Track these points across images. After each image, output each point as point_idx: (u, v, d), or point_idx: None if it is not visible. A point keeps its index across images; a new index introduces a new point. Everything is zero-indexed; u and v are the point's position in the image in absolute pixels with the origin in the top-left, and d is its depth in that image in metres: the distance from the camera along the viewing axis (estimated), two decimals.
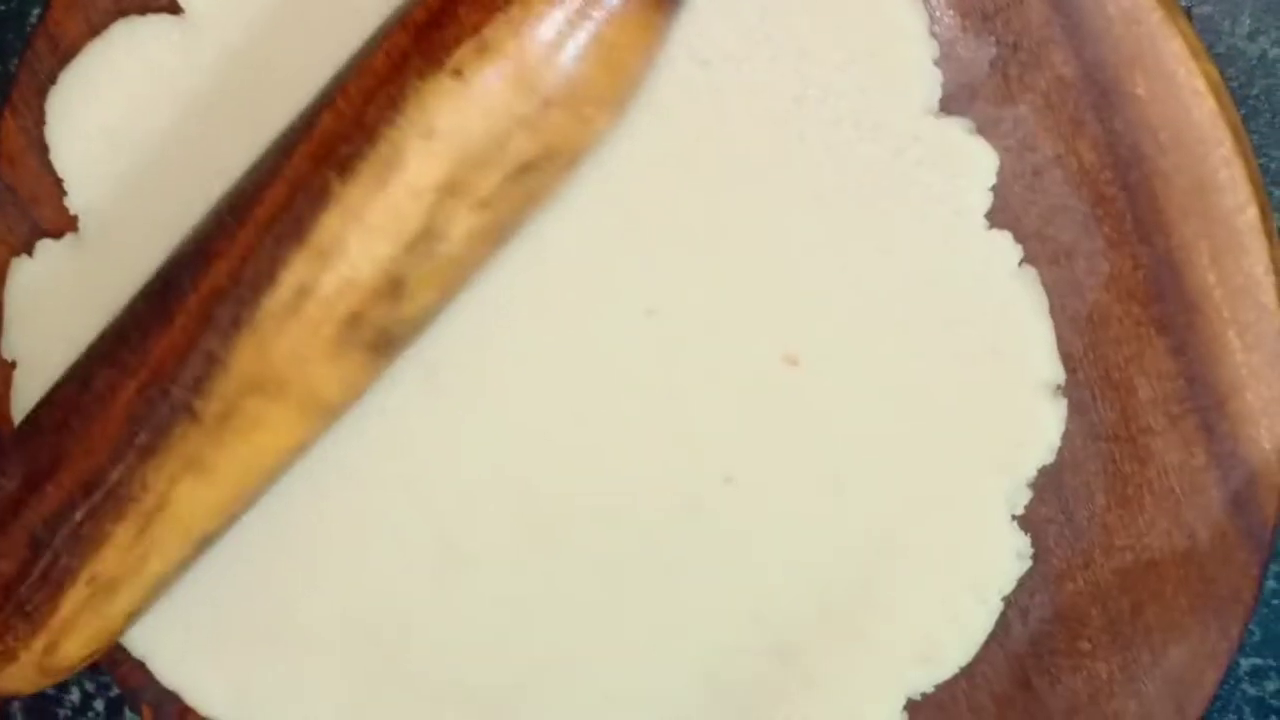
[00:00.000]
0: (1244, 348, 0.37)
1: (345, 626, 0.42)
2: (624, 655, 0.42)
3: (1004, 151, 0.37)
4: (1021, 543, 0.39)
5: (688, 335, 0.39)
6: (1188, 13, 0.44)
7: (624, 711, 0.42)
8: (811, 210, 0.38)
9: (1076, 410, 0.39)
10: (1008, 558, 0.39)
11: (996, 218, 0.38)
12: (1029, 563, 0.40)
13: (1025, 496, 0.39)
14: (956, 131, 0.37)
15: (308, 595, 0.42)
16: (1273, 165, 0.46)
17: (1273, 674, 0.48)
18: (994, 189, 0.37)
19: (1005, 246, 0.38)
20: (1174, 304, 0.38)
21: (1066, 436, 0.39)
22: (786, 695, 0.41)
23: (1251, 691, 0.48)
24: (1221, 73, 0.37)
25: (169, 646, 0.43)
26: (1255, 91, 0.45)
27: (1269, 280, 0.37)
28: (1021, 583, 0.40)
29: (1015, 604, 0.40)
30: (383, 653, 0.43)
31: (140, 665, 0.44)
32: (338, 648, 0.42)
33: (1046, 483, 0.39)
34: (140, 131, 0.41)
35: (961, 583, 0.40)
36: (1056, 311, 0.38)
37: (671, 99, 0.38)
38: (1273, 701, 0.48)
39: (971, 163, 0.37)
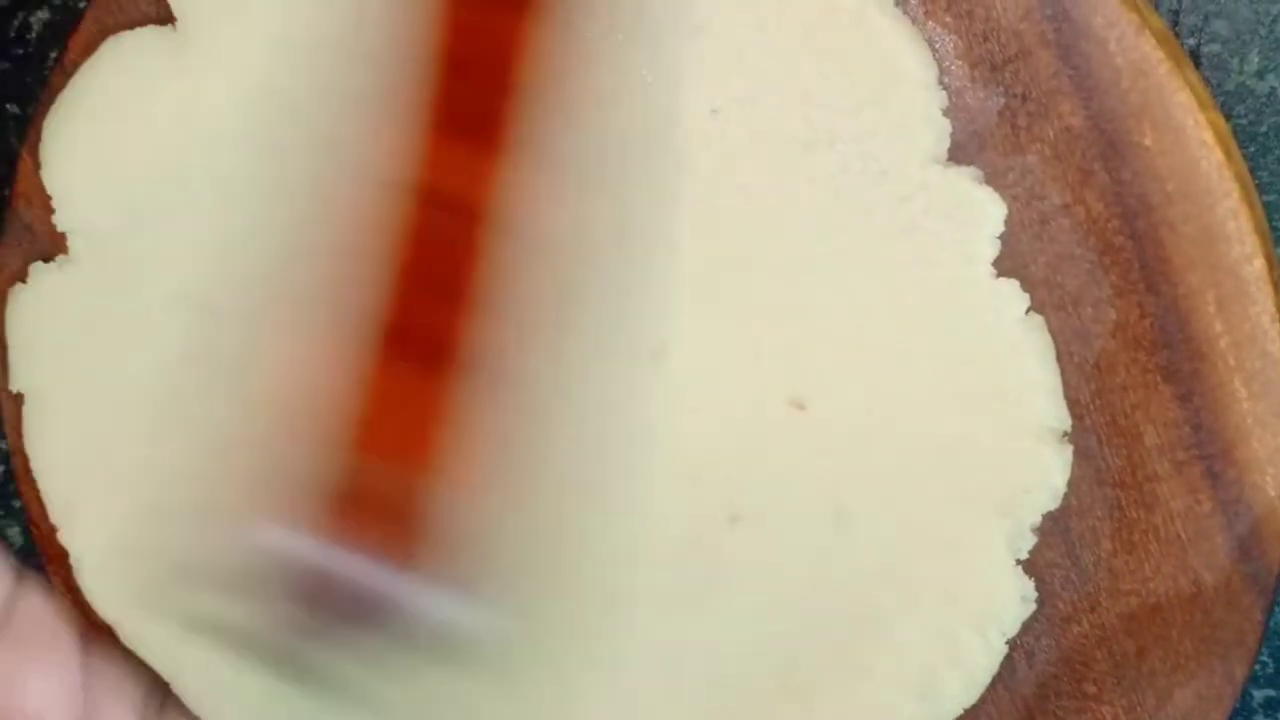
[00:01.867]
0: (1250, 396, 0.38)
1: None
2: (626, 692, 0.42)
3: (1012, 200, 0.37)
4: (1026, 586, 0.40)
5: (694, 378, 0.39)
6: (1195, 52, 0.45)
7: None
8: (819, 255, 0.38)
9: (1083, 456, 0.39)
10: (1012, 601, 0.40)
11: (1004, 265, 0.38)
12: (1034, 606, 0.40)
13: (1030, 541, 0.39)
14: (964, 180, 0.37)
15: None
16: None
17: None
18: (1002, 237, 0.38)
19: (1012, 294, 0.38)
20: (1180, 352, 0.38)
21: (1073, 482, 0.39)
22: None
23: None
24: (1230, 110, 0.37)
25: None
26: (1264, 129, 0.45)
27: (1275, 329, 0.37)
28: (1027, 625, 0.40)
29: (1020, 646, 0.40)
30: (383, 686, 0.43)
31: None
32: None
33: (1052, 527, 0.39)
34: (129, 148, 0.41)
35: (964, 623, 0.40)
36: (1063, 358, 0.38)
37: (681, 145, 0.38)
38: None
39: (979, 212, 0.37)
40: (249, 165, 0.41)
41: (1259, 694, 0.48)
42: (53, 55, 0.49)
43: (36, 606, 0.42)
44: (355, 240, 0.40)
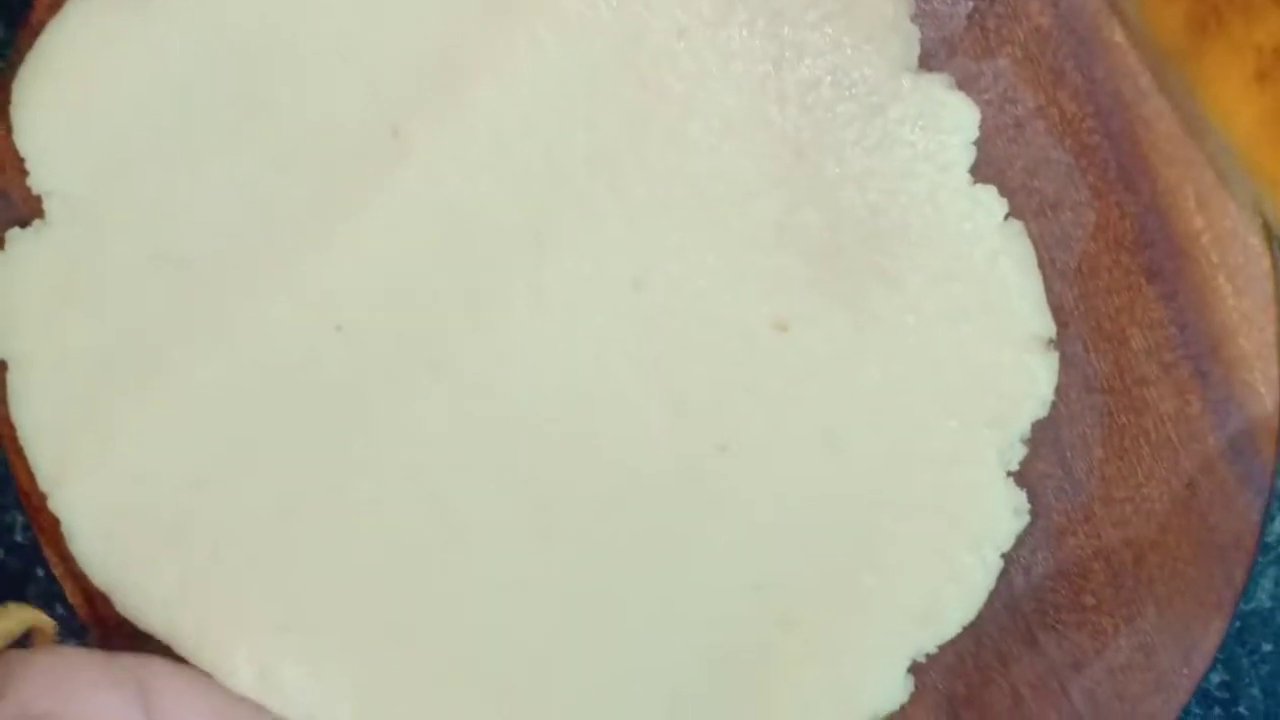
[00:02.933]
0: (1234, 292, 0.37)
1: (348, 609, 0.42)
2: (626, 631, 0.42)
3: (985, 105, 0.37)
4: (1018, 499, 0.39)
5: (675, 306, 0.39)
6: None
7: (628, 686, 0.42)
8: (795, 176, 0.38)
9: (1069, 363, 0.38)
10: (1005, 515, 0.39)
11: (981, 172, 0.38)
12: (1027, 519, 0.39)
13: (1020, 452, 0.39)
14: (937, 88, 0.37)
15: (311, 581, 0.42)
16: None
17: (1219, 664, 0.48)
18: (977, 144, 0.37)
19: (991, 201, 0.38)
20: (1162, 250, 0.37)
21: (1060, 390, 0.39)
22: (790, 663, 0.41)
23: None
24: None
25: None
26: None
27: (1256, 222, 0.37)
28: (1022, 539, 0.40)
29: (1017, 561, 0.40)
30: (387, 636, 0.43)
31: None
32: (340, 629, 0.42)
33: (1042, 438, 0.39)
34: (101, 107, 0.41)
35: (959, 541, 0.39)
36: (1045, 264, 0.38)
37: (651, 68, 0.38)
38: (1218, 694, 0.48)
39: (953, 118, 0.37)
40: (220, 118, 0.41)
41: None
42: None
43: None
44: (329, 189, 0.40)
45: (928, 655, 0.41)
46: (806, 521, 0.40)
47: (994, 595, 0.40)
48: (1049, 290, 0.38)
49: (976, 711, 0.41)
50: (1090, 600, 0.40)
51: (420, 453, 0.41)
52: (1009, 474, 0.39)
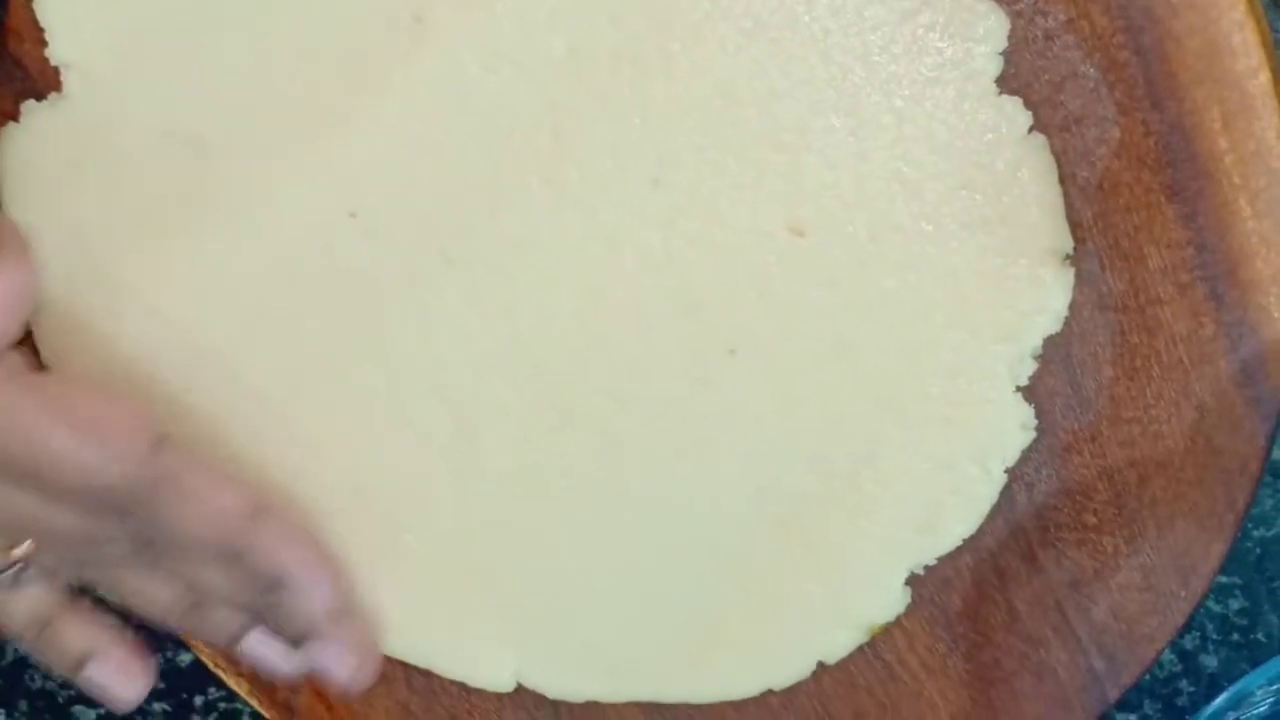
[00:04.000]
0: (1254, 214, 0.37)
1: (356, 499, 0.42)
2: (630, 531, 0.42)
3: (1015, 16, 0.37)
4: (1026, 414, 0.39)
5: (692, 206, 0.39)
6: None
7: (631, 587, 0.42)
8: (819, 76, 0.38)
9: (1085, 280, 0.38)
10: (1012, 429, 0.39)
11: (1007, 83, 0.37)
12: (1033, 434, 0.39)
13: (1030, 367, 0.39)
14: None
15: (320, 469, 0.42)
16: None
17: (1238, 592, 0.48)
18: (1004, 54, 0.37)
19: (1015, 112, 0.37)
20: (1185, 170, 0.37)
21: (1074, 307, 0.39)
22: (790, 567, 0.41)
23: (1216, 609, 0.48)
24: None
25: None
26: None
27: None
28: (1027, 455, 0.40)
29: (1021, 477, 0.40)
30: (394, 527, 0.43)
31: None
32: (347, 519, 0.42)
33: (1053, 354, 0.39)
34: None
35: (965, 453, 0.39)
36: (1066, 179, 0.38)
37: None
38: (1237, 620, 0.48)
39: (982, 26, 0.37)
40: None
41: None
42: None
43: None
44: (349, 73, 0.40)
45: (926, 567, 0.41)
46: (811, 427, 0.40)
47: (996, 511, 0.40)
48: (1068, 206, 0.38)
49: (972, 626, 0.41)
50: (1092, 519, 0.40)
51: (431, 342, 0.41)
52: (1018, 389, 0.39)
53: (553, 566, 0.43)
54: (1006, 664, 0.42)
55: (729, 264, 0.39)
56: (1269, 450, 0.39)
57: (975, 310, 0.39)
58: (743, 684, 0.43)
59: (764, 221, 0.39)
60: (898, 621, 0.42)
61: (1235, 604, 0.47)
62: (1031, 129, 0.37)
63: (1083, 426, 0.40)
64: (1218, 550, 0.40)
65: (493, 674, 0.44)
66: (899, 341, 0.39)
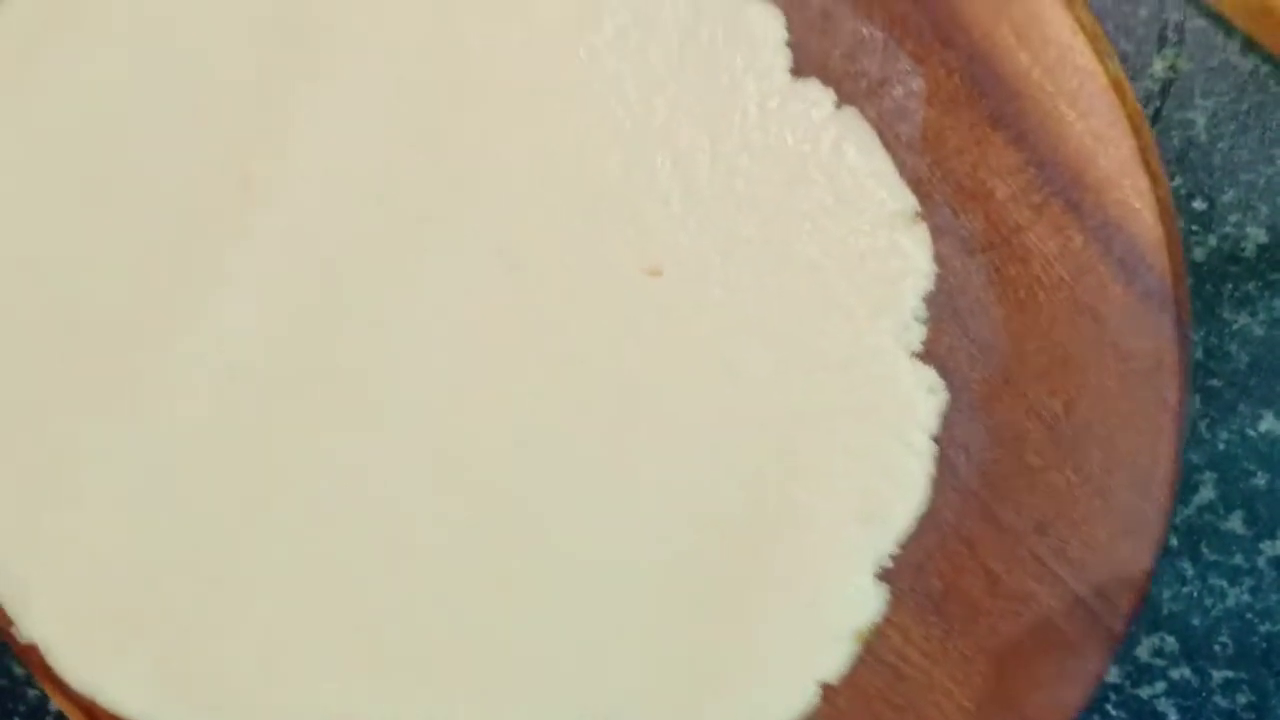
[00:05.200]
0: (1079, 115, 0.37)
1: (326, 642, 0.42)
2: (580, 575, 0.41)
3: (787, 6, 0.37)
4: (929, 377, 0.39)
5: (550, 276, 0.39)
6: None
7: (583, 625, 0.41)
8: (625, 123, 0.38)
9: (942, 231, 0.38)
10: (919, 396, 0.39)
11: (803, 69, 0.38)
12: (944, 395, 0.39)
13: (919, 332, 0.39)
14: (737, 1, 0.37)
15: (277, 627, 0.42)
16: None
17: (1245, 686, 0.47)
18: (790, 44, 0.37)
19: (816, 93, 0.37)
20: (998, 95, 0.37)
21: (941, 259, 0.38)
22: (753, 597, 0.40)
23: (1223, 704, 0.47)
24: None
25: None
26: None
27: (1079, 41, 0.36)
28: (949, 418, 0.39)
29: (952, 442, 0.39)
30: (366, 654, 0.42)
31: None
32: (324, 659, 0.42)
33: (939, 311, 0.39)
34: None
35: (880, 434, 0.39)
36: (890, 141, 0.38)
37: (458, 53, 0.38)
38: (1244, 715, 0.47)
39: (759, 25, 0.37)
40: (85, 178, 0.41)
41: (1218, 674, 0.47)
42: None
43: None
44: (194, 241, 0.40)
45: (893, 558, 0.40)
46: (726, 452, 0.40)
47: (940, 483, 0.40)
48: (901, 165, 0.38)
49: (958, 602, 0.40)
50: (1035, 460, 0.39)
51: (342, 478, 0.41)
52: (914, 355, 0.39)
53: (505, 643, 0.42)
54: (1004, 629, 0.40)
55: (599, 318, 0.39)
56: (1184, 337, 0.38)
57: (844, 294, 0.38)
58: None
59: (619, 269, 0.39)
60: (886, 620, 0.41)
61: (1243, 698, 0.46)
62: (839, 105, 0.38)
63: (993, 372, 0.39)
64: (1166, 451, 0.38)
65: None
66: (781, 347, 0.39)
